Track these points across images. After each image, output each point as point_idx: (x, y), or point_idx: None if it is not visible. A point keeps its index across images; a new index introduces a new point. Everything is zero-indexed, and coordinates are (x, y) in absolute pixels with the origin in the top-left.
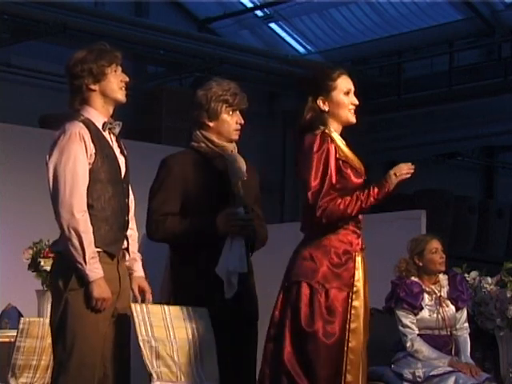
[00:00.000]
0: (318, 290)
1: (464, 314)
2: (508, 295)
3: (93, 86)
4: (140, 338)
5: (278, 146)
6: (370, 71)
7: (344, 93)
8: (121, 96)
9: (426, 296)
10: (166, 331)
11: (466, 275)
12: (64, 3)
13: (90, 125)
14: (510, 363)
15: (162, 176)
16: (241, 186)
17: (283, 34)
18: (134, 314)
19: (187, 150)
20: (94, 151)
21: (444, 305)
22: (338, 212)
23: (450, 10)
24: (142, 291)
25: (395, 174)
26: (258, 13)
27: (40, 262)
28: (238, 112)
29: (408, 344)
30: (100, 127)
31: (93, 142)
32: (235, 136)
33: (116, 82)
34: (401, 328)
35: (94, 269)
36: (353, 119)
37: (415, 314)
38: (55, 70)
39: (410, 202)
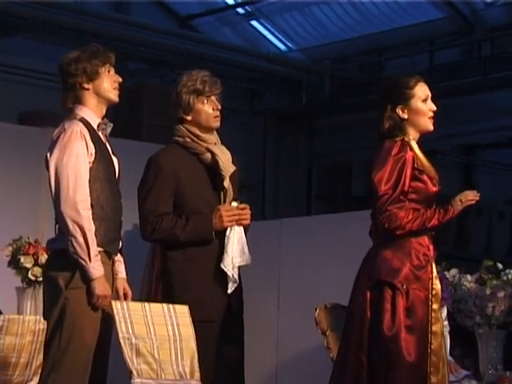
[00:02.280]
0: (400, 290)
1: (444, 311)
2: (487, 293)
3: (86, 85)
4: (120, 335)
5: (259, 144)
6: (350, 69)
7: (422, 100)
8: (114, 96)
9: None
10: (146, 328)
11: (446, 273)
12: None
13: (87, 124)
14: (489, 360)
15: (153, 175)
16: (229, 178)
17: (264, 32)
18: (115, 312)
19: (173, 145)
20: (93, 150)
21: None
22: (400, 223)
23: (430, 8)
24: (125, 293)
25: (461, 201)
26: (240, 10)
27: (20, 259)
28: (213, 98)
29: None
30: (95, 127)
31: (92, 141)
32: (215, 123)
33: (109, 82)
34: None
35: (97, 266)
36: (431, 127)
37: None
38: (34, 67)
39: None
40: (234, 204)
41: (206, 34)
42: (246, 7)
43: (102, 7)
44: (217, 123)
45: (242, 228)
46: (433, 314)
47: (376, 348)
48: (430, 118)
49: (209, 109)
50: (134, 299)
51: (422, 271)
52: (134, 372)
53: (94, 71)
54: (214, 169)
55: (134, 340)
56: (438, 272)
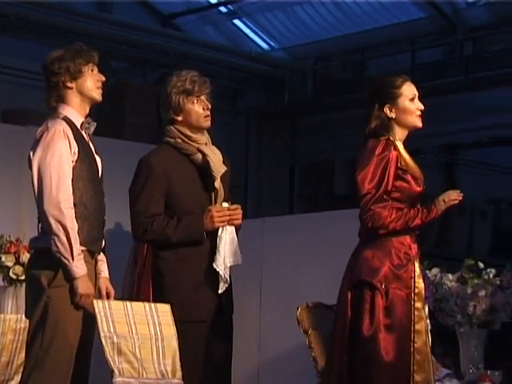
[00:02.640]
0: (378, 290)
1: (425, 310)
2: (468, 292)
3: (69, 84)
4: (102, 334)
5: (241, 143)
6: (333, 68)
7: (409, 99)
8: (97, 95)
9: None
10: (127, 327)
11: (428, 272)
12: None
13: (70, 123)
14: (470, 359)
15: (144, 176)
16: (220, 178)
17: (247, 31)
18: (97, 311)
19: (164, 146)
20: (76, 149)
21: None
22: (383, 222)
23: (412, 8)
24: (107, 292)
25: (444, 201)
26: (222, 9)
27: (1, 258)
28: (202, 97)
29: None
30: (78, 126)
31: (75, 140)
32: (206, 123)
33: (92, 81)
34: None
35: (80, 265)
36: (419, 123)
37: None
38: (17, 65)
39: None
40: (225, 204)
41: (189, 32)
42: (229, 6)
43: (85, 6)
44: (207, 123)
45: (233, 228)
46: (416, 313)
47: (355, 348)
48: (417, 116)
49: (199, 109)
50: (116, 298)
51: (402, 270)
52: (116, 371)
53: (77, 70)
54: (205, 169)
55: (115, 339)
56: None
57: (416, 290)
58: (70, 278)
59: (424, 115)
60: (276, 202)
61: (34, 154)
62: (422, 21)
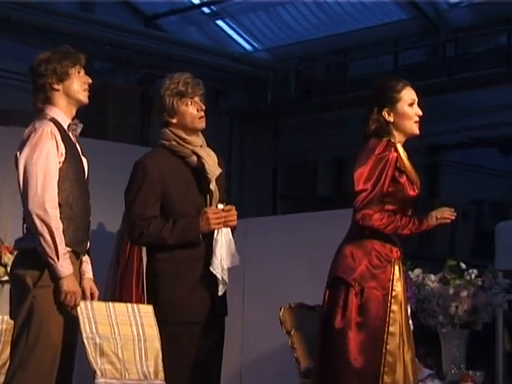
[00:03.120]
0: (353, 288)
1: (407, 311)
2: (450, 292)
3: (56, 86)
4: (84, 334)
5: (224, 144)
6: (316, 69)
7: (408, 104)
8: (83, 97)
9: None
10: (110, 328)
11: (410, 273)
12: None
13: (57, 124)
14: (452, 359)
15: (139, 179)
16: (215, 181)
17: (230, 32)
18: (79, 311)
19: (159, 148)
20: (64, 150)
21: None
22: (373, 224)
23: (395, 9)
24: (91, 293)
25: (436, 217)
26: (205, 10)
27: None
28: (196, 99)
29: None
30: (65, 127)
31: (62, 141)
32: (200, 124)
33: (79, 83)
34: None
35: (66, 265)
36: (416, 130)
37: None
38: (0, 65)
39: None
40: (220, 206)
41: (172, 33)
42: (212, 7)
43: (68, 6)
44: (202, 124)
45: (229, 230)
46: (391, 315)
47: (327, 343)
48: (415, 122)
49: (193, 110)
50: (98, 299)
51: (379, 270)
52: (98, 372)
53: (63, 72)
54: (200, 171)
55: (97, 340)
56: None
57: (393, 293)
58: (55, 277)
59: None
60: (259, 202)
61: (20, 154)
62: (404, 22)
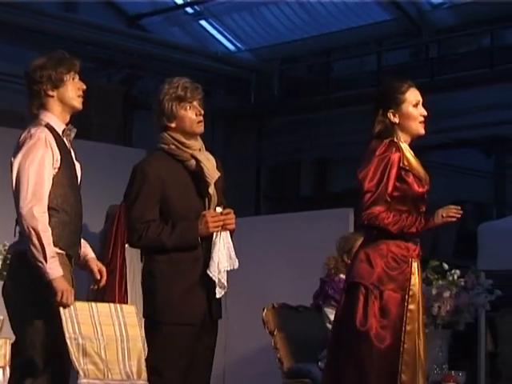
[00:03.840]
0: (372, 292)
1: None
2: (433, 293)
3: (51, 92)
4: (67, 335)
5: (207, 144)
6: (299, 70)
7: (413, 105)
8: (77, 103)
9: None
10: (93, 328)
11: None
12: None
13: (52, 130)
14: (435, 360)
15: (139, 183)
16: (214, 184)
17: (213, 32)
18: (61, 312)
19: (158, 152)
20: (59, 157)
21: None
22: (379, 223)
23: (378, 10)
24: (100, 270)
25: (442, 215)
26: (188, 10)
27: None
28: (195, 103)
29: None
30: (60, 133)
31: (58, 147)
32: (199, 129)
33: (74, 90)
34: (328, 325)
35: (55, 266)
36: (422, 131)
37: None
38: None
39: (338, 201)
40: (219, 209)
41: (155, 33)
42: (195, 7)
43: (51, 6)
44: (201, 128)
45: (227, 233)
46: (408, 314)
47: (345, 345)
48: (420, 122)
49: (192, 115)
50: (81, 299)
51: (396, 272)
52: (81, 372)
53: (58, 79)
54: (198, 175)
55: (80, 340)
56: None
57: (410, 292)
58: (45, 280)
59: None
60: (242, 203)
61: (14, 159)
62: (387, 23)
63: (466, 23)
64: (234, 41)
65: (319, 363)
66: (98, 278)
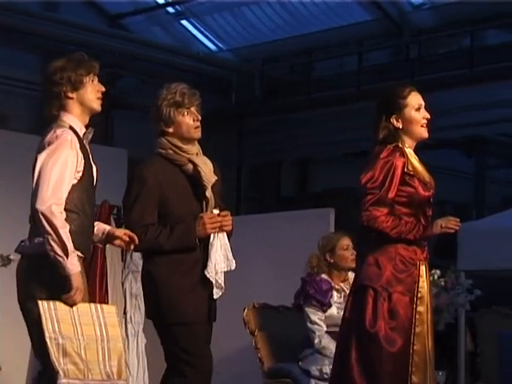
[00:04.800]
0: (381, 294)
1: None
2: None
3: (70, 94)
4: (47, 334)
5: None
6: (280, 70)
7: (416, 109)
8: (97, 105)
9: (334, 293)
10: (73, 328)
11: None
12: None
13: (75, 132)
14: None
15: (137, 188)
16: (211, 188)
17: (194, 32)
18: (41, 311)
19: (156, 157)
20: (82, 159)
21: None
22: (378, 226)
23: (359, 10)
24: (129, 236)
25: (441, 225)
26: (170, 9)
27: None
28: (192, 109)
29: (316, 341)
30: (81, 135)
31: (81, 149)
32: (196, 134)
33: (93, 92)
34: (309, 325)
35: (75, 262)
36: (425, 134)
37: (324, 311)
38: None
39: (318, 201)
40: (216, 211)
41: (136, 33)
42: (177, 6)
43: (32, 6)
44: (198, 134)
45: (225, 234)
46: (417, 316)
47: (358, 344)
48: (423, 125)
49: (189, 120)
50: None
51: (405, 274)
52: (61, 372)
53: (78, 81)
54: (196, 179)
55: (60, 340)
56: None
57: (419, 295)
58: (64, 274)
59: (368, 118)
60: (223, 203)
61: (38, 158)
62: (368, 23)
63: (446, 24)
64: (215, 41)
65: (300, 363)
66: (127, 239)
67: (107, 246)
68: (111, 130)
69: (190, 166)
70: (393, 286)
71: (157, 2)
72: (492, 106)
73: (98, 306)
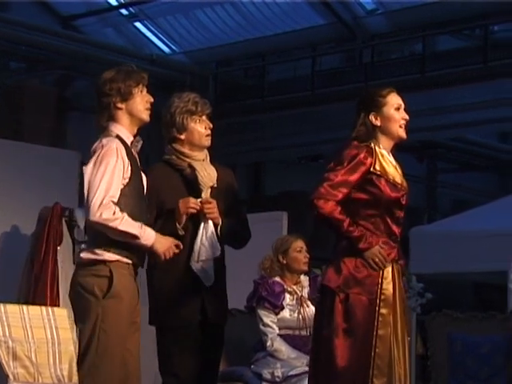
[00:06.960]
0: (338, 295)
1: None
2: None
3: (120, 105)
4: None
5: (143, 147)
6: (234, 73)
7: (395, 108)
8: (145, 116)
9: (287, 296)
10: (24, 331)
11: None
12: None
13: (122, 141)
14: None
15: None
16: (211, 192)
17: (148, 34)
18: None
19: (160, 163)
20: (129, 167)
21: (305, 305)
22: (322, 211)
23: (313, 14)
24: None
25: (372, 259)
26: (123, 11)
27: None
28: (204, 117)
29: (268, 343)
30: (129, 144)
31: (128, 158)
32: (207, 142)
33: (142, 103)
34: (261, 327)
35: (147, 235)
36: (403, 134)
37: (276, 314)
38: None
39: (272, 204)
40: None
41: (89, 34)
42: (130, 8)
43: None
44: (208, 141)
45: (210, 223)
46: (380, 319)
47: (316, 349)
48: (401, 126)
49: (201, 128)
50: (11, 301)
51: (364, 275)
52: (11, 376)
53: (127, 92)
54: (193, 183)
55: (10, 343)
56: (318, 275)
57: (382, 297)
58: (146, 249)
59: (322, 121)
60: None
61: (86, 169)
62: (322, 28)
63: (398, 29)
64: (168, 43)
65: (252, 366)
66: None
67: (58, 247)
68: (63, 132)
69: (189, 170)
70: (350, 286)
71: (110, 4)
72: (443, 111)
73: (49, 309)
